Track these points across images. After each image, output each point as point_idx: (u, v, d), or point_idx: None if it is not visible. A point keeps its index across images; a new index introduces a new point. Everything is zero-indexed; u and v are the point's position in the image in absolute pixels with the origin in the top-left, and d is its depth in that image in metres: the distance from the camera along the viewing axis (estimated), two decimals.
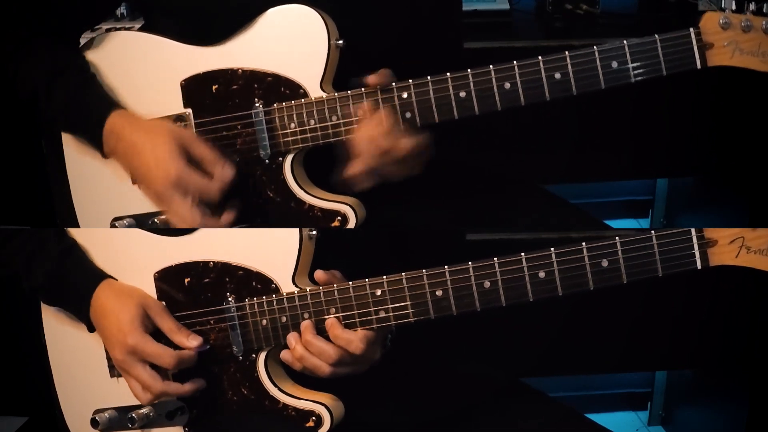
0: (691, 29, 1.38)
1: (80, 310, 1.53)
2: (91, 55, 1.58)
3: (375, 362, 1.46)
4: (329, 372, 1.42)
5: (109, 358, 1.54)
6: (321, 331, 1.44)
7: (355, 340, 1.41)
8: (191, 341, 1.47)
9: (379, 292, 1.41)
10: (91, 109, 1.52)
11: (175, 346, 1.48)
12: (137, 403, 1.52)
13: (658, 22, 2.44)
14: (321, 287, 1.44)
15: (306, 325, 1.43)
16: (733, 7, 1.37)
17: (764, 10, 1.35)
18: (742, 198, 2.46)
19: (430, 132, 1.48)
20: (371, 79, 1.48)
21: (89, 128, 1.53)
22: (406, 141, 1.46)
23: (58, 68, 1.54)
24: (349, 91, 1.47)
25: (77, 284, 1.53)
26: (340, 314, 1.43)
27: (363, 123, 1.47)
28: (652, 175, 2.76)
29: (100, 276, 1.53)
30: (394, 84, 1.45)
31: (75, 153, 1.60)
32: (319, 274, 1.44)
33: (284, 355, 1.45)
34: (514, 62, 1.41)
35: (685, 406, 2.68)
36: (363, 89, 1.46)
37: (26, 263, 1.54)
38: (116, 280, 1.53)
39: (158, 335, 1.48)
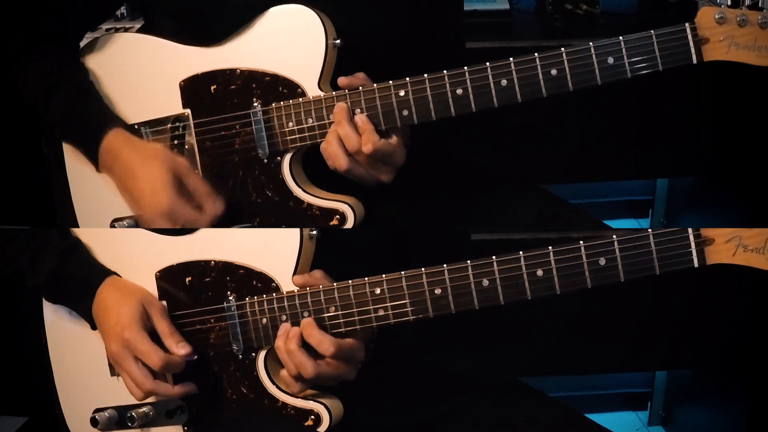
0: (687, 24, 1.38)
1: (83, 307, 1.54)
2: (90, 58, 1.59)
3: (347, 378, 1.45)
4: (297, 376, 1.43)
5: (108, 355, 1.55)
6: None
7: (325, 342, 1.41)
8: (180, 349, 1.48)
9: (378, 291, 1.42)
10: (88, 124, 1.53)
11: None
12: (137, 402, 1.52)
13: (657, 22, 2.44)
14: (321, 286, 1.44)
15: (294, 332, 1.44)
16: (729, 2, 1.37)
17: (759, 5, 1.35)
18: (742, 198, 2.46)
19: (399, 139, 1.48)
20: (343, 81, 1.47)
21: (86, 142, 1.54)
22: (370, 145, 1.45)
23: (56, 78, 1.54)
24: (347, 90, 1.47)
25: (81, 282, 1.54)
26: (340, 312, 1.43)
27: (334, 124, 1.47)
28: (652, 175, 2.76)
29: (104, 273, 1.54)
30: (391, 82, 1.46)
31: (75, 154, 1.60)
32: (297, 279, 1.45)
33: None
34: (511, 59, 1.41)
35: (685, 406, 2.68)
36: (360, 88, 1.46)
37: (30, 261, 1.55)
38: (120, 276, 1.54)
39: (156, 335, 1.49)
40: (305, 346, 1.43)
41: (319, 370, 1.41)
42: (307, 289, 1.44)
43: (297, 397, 1.45)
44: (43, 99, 1.54)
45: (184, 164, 1.51)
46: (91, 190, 1.61)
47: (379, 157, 1.46)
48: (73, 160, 1.61)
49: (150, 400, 1.51)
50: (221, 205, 1.51)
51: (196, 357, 1.49)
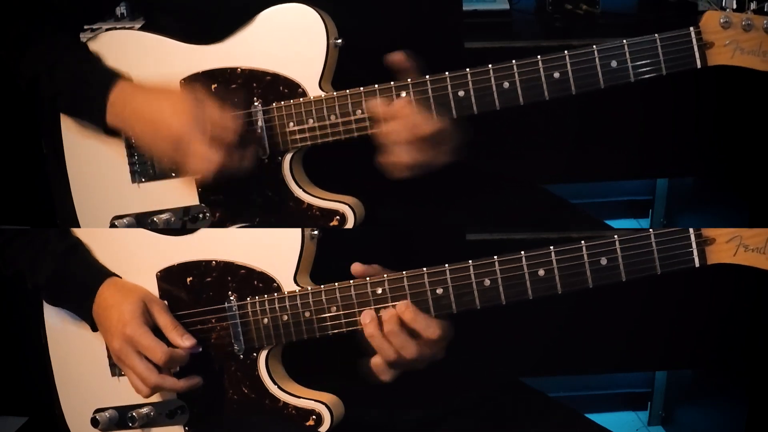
0: (692, 28, 1.38)
1: (83, 309, 1.54)
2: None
3: (439, 357, 1.45)
4: (396, 360, 1.41)
5: (110, 357, 1.55)
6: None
7: (432, 325, 1.39)
8: (184, 341, 1.47)
9: (380, 291, 1.42)
10: (95, 81, 1.52)
11: (172, 345, 1.48)
12: (138, 402, 1.52)
13: (658, 22, 2.45)
14: (322, 286, 1.44)
15: (390, 313, 1.40)
16: (734, 6, 1.36)
17: (765, 9, 1.35)
18: (742, 198, 2.46)
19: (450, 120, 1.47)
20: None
21: (92, 102, 1.52)
22: (428, 127, 1.44)
23: (60, 50, 1.55)
24: (347, 90, 1.47)
25: (81, 282, 1.54)
26: (342, 312, 1.43)
27: (388, 116, 1.46)
28: (652, 175, 2.76)
29: (104, 274, 1.54)
30: (392, 83, 1.46)
31: (75, 152, 1.60)
32: (356, 267, 1.43)
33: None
34: (513, 62, 1.42)
35: (685, 406, 2.68)
36: (361, 88, 1.46)
37: (30, 262, 1.55)
38: (120, 277, 1.54)
39: (158, 332, 1.49)
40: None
41: (420, 350, 1.40)
42: (309, 288, 1.44)
43: (298, 397, 1.45)
44: (48, 69, 1.54)
45: (196, 92, 1.50)
46: (91, 189, 1.61)
47: (435, 138, 1.45)
48: (74, 158, 1.61)
49: (152, 399, 1.51)
50: (236, 120, 1.48)
51: (200, 349, 1.49)
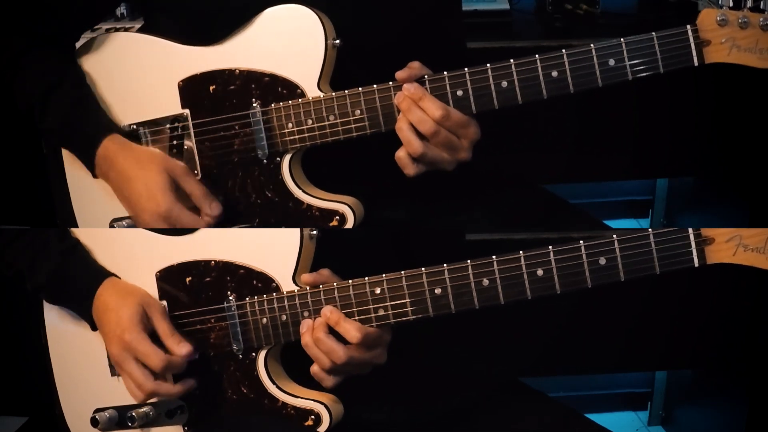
0: (688, 26, 1.38)
1: (83, 309, 1.54)
2: (88, 58, 1.59)
3: (379, 361, 1.45)
4: (331, 367, 1.42)
5: (110, 357, 1.55)
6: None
7: (352, 329, 1.40)
8: (180, 349, 1.47)
9: (378, 291, 1.42)
10: (84, 131, 1.54)
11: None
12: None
13: (657, 22, 2.45)
14: (321, 286, 1.44)
15: (318, 322, 1.43)
16: (731, 4, 1.36)
17: (761, 7, 1.35)
18: (742, 198, 2.45)
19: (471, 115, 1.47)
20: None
21: (82, 149, 1.55)
22: (452, 119, 1.44)
23: (53, 83, 1.54)
24: (346, 91, 1.47)
25: (80, 283, 1.54)
26: None
27: (403, 112, 1.45)
28: (652, 175, 2.76)
29: (104, 274, 1.54)
30: (391, 83, 1.46)
31: (73, 157, 1.60)
32: (305, 277, 1.45)
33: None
34: (511, 61, 1.41)
35: (685, 406, 2.68)
36: (360, 88, 1.46)
37: (30, 263, 1.55)
38: (119, 278, 1.54)
39: (157, 337, 1.49)
40: (332, 334, 1.42)
41: (350, 353, 1.41)
42: (307, 288, 1.44)
43: (297, 397, 1.46)
44: (40, 105, 1.54)
45: (180, 167, 1.52)
46: (89, 191, 1.61)
47: (452, 126, 1.44)
48: (72, 163, 1.61)
49: (151, 400, 1.51)
50: (219, 208, 1.51)
51: (197, 356, 1.49)
